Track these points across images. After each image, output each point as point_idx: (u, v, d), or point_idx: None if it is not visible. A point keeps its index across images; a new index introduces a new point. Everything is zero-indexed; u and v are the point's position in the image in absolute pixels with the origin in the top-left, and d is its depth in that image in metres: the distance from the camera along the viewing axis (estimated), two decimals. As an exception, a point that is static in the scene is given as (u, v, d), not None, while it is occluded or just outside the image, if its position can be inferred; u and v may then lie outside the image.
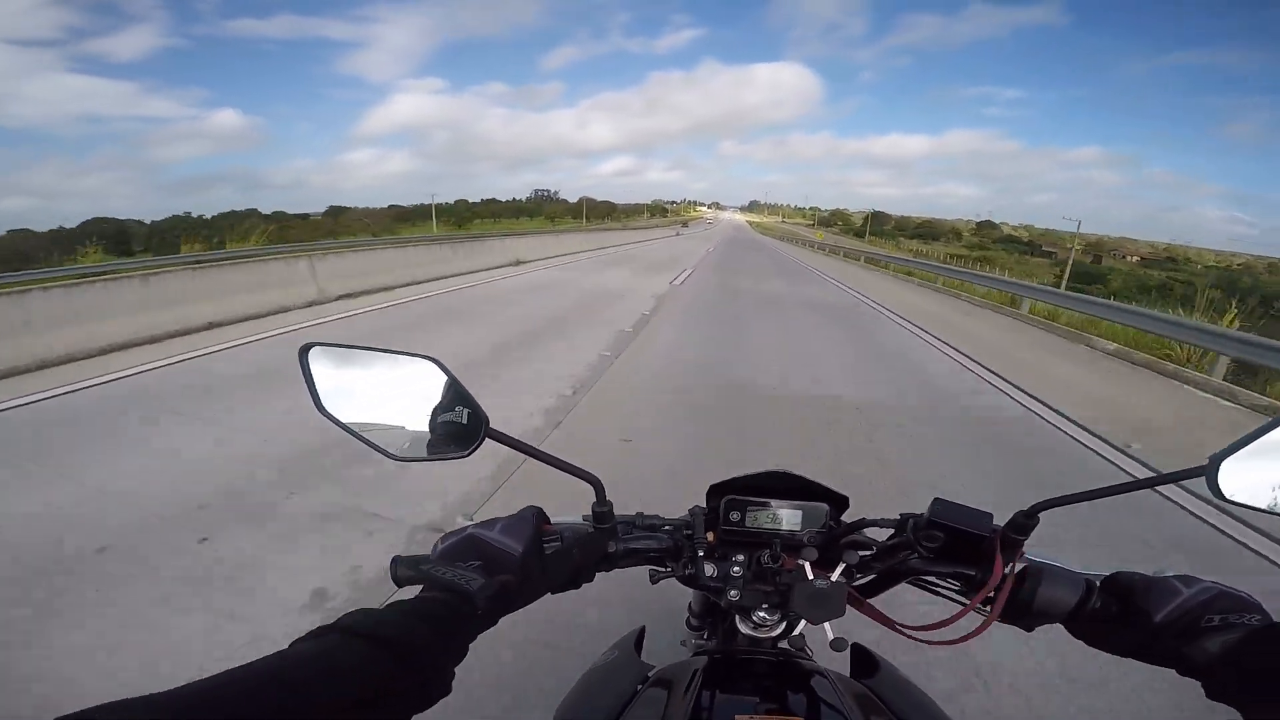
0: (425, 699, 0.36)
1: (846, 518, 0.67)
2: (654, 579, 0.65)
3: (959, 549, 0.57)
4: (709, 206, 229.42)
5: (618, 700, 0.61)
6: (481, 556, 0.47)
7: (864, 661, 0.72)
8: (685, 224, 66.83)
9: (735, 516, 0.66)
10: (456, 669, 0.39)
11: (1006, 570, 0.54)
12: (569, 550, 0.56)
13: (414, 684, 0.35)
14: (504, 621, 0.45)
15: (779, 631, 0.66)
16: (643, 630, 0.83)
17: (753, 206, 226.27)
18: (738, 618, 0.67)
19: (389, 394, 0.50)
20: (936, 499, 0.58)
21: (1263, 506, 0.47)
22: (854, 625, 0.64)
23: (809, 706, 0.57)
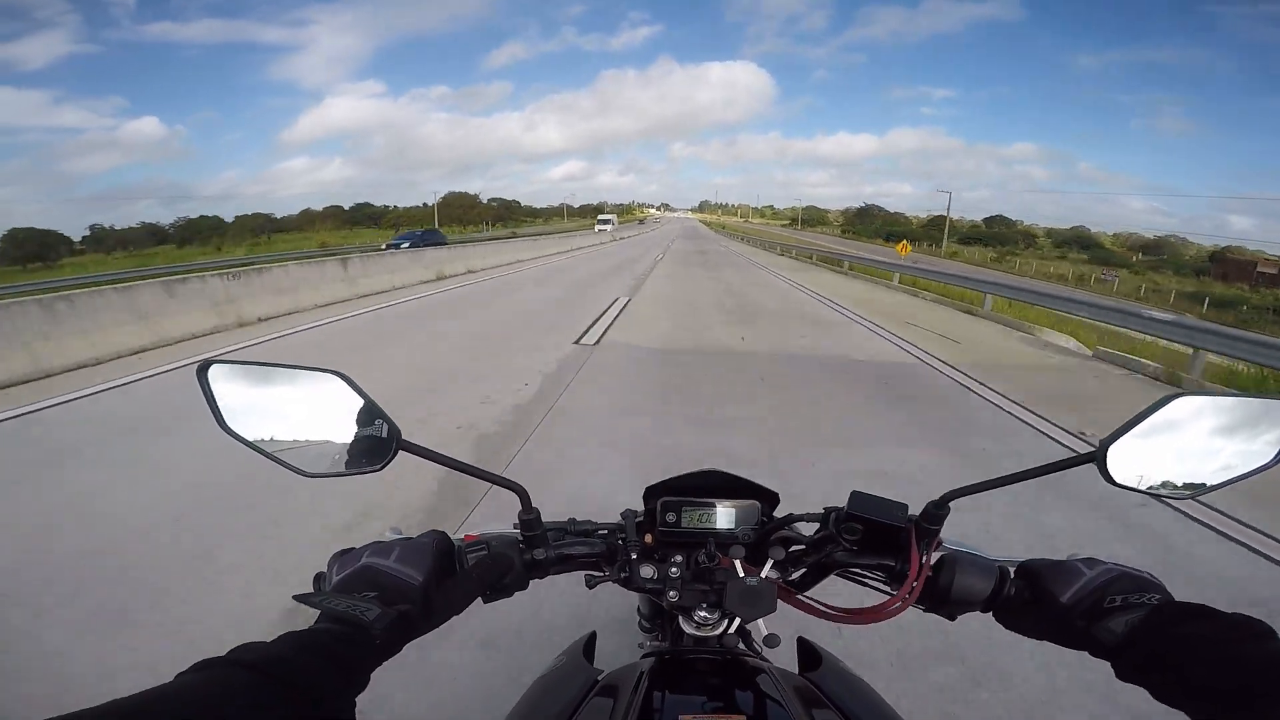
0: None
1: (779, 513, 0.68)
2: (590, 584, 0.65)
3: (879, 540, 0.59)
4: (657, 208, 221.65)
5: (565, 707, 0.61)
6: (377, 586, 0.47)
7: (809, 655, 0.73)
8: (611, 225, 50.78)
9: (671, 517, 0.66)
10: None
11: (923, 560, 0.55)
12: (494, 560, 0.56)
13: (306, 716, 0.34)
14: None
15: (722, 629, 0.67)
16: (593, 635, 0.83)
17: (703, 207, 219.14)
18: (680, 618, 0.67)
19: (296, 410, 0.50)
20: (854, 492, 0.59)
21: (1151, 490, 0.48)
22: (806, 621, 0.65)
23: (752, 702, 0.58)
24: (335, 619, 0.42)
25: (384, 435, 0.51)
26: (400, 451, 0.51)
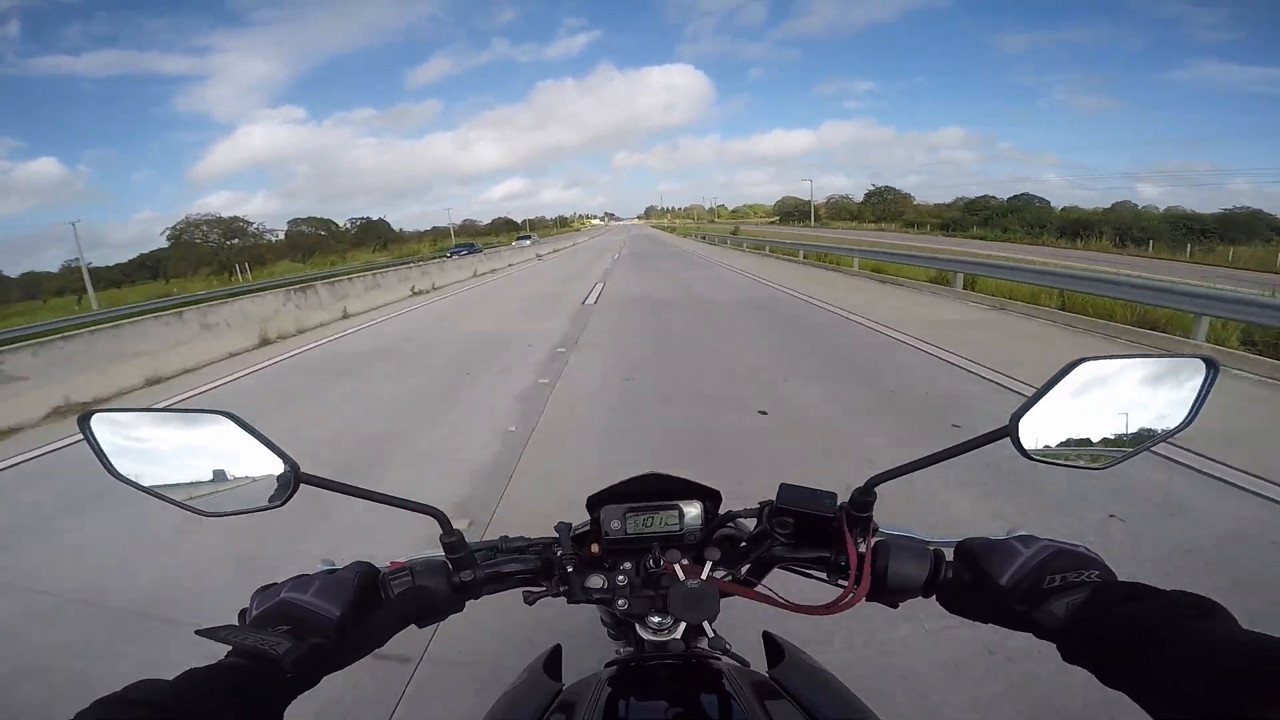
0: None
1: (722, 510, 0.67)
2: (528, 600, 0.64)
3: (813, 531, 0.57)
4: (601, 218, 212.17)
5: None
6: (291, 620, 0.46)
7: (774, 649, 0.72)
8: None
9: (616, 525, 0.65)
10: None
11: (860, 550, 0.54)
12: (416, 592, 0.55)
13: None
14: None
15: (681, 633, 0.66)
16: (557, 649, 0.82)
17: (649, 213, 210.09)
18: (637, 625, 0.66)
19: (188, 452, 0.49)
20: (782, 484, 0.58)
21: (1067, 462, 0.46)
22: (769, 615, 0.64)
23: (716, 704, 0.57)
24: (244, 654, 0.41)
25: (284, 471, 0.50)
26: (302, 485, 0.50)
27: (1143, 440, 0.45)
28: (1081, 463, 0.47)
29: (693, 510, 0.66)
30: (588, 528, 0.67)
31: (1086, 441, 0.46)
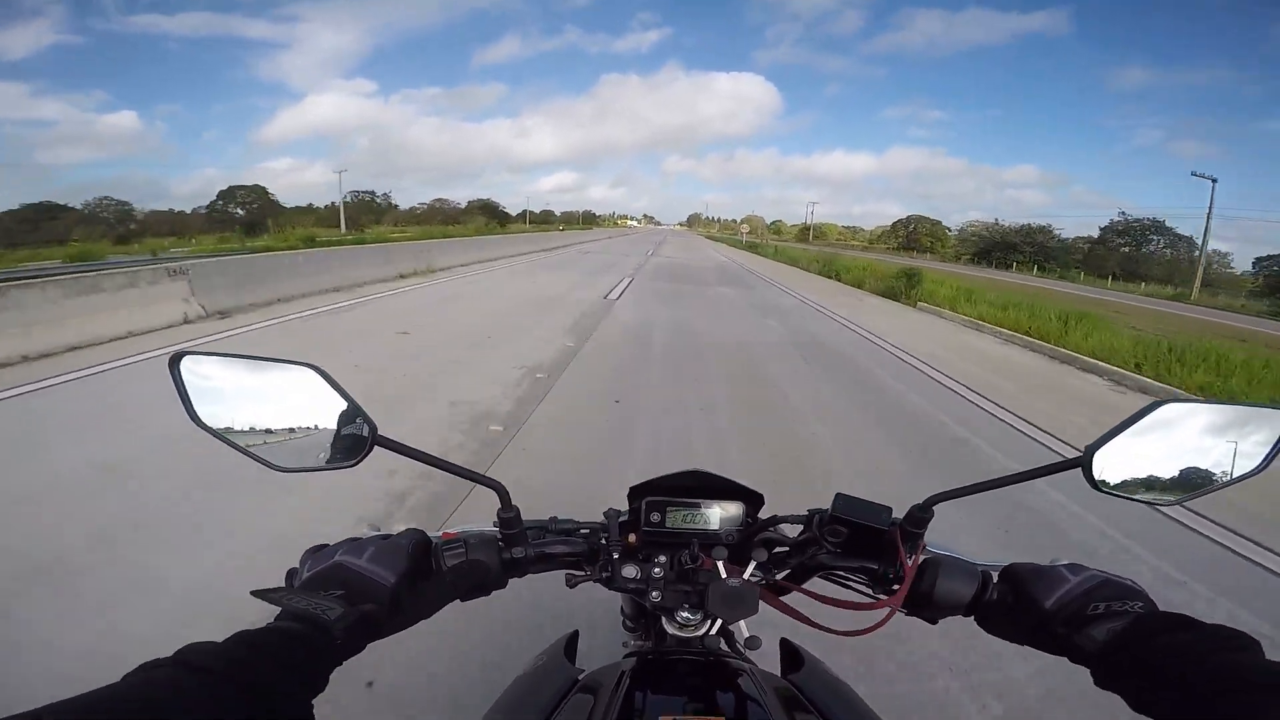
0: None
1: (764, 514, 0.67)
2: (570, 583, 0.65)
3: (863, 543, 0.58)
4: (639, 220, 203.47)
5: (545, 706, 0.61)
6: (345, 585, 0.46)
7: (792, 656, 0.72)
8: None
9: (656, 517, 0.66)
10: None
11: (908, 563, 0.55)
12: (470, 566, 0.56)
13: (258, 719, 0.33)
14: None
15: (705, 630, 0.67)
16: (575, 635, 0.82)
17: (692, 222, 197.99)
18: (663, 618, 0.67)
19: (269, 404, 0.49)
20: (839, 495, 0.59)
21: (1137, 496, 0.48)
22: (788, 621, 0.64)
23: (734, 704, 0.57)
24: (295, 617, 0.41)
25: (360, 431, 0.50)
26: (376, 447, 0.50)
27: (1210, 483, 0.46)
28: (1150, 498, 0.48)
29: (734, 511, 0.66)
30: (626, 517, 0.68)
31: (1156, 479, 0.47)
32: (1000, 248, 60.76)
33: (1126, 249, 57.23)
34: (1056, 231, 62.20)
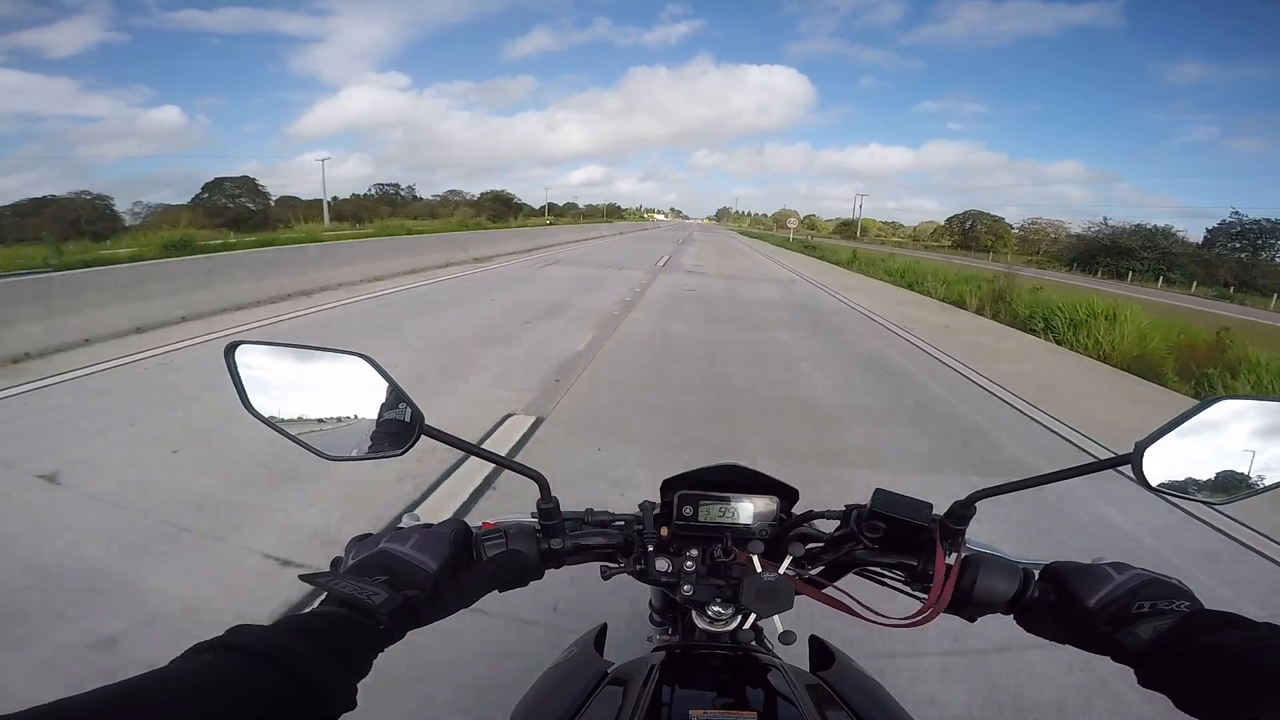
0: (320, 717, 0.35)
1: (798, 509, 0.67)
2: (605, 575, 0.65)
3: (902, 539, 0.58)
4: (665, 214, 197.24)
5: (575, 699, 0.61)
6: (390, 572, 0.47)
7: (821, 653, 0.72)
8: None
9: (688, 511, 0.66)
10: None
11: (949, 560, 0.55)
12: (510, 557, 0.56)
13: (303, 703, 0.34)
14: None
15: (735, 625, 0.67)
16: (604, 628, 0.82)
17: (720, 216, 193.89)
18: (693, 612, 0.67)
19: (320, 392, 0.49)
20: (878, 490, 0.58)
21: (1186, 494, 0.47)
22: (816, 618, 0.64)
23: (763, 699, 0.57)
24: (341, 602, 0.41)
25: (407, 419, 0.51)
26: (422, 436, 0.51)
27: (1264, 482, 0.46)
28: (1201, 496, 0.47)
29: (767, 506, 0.66)
30: (659, 510, 0.68)
31: (1207, 477, 0.47)
32: (1110, 252, 48.85)
33: (1243, 254, 48.90)
34: (1180, 234, 50.07)
